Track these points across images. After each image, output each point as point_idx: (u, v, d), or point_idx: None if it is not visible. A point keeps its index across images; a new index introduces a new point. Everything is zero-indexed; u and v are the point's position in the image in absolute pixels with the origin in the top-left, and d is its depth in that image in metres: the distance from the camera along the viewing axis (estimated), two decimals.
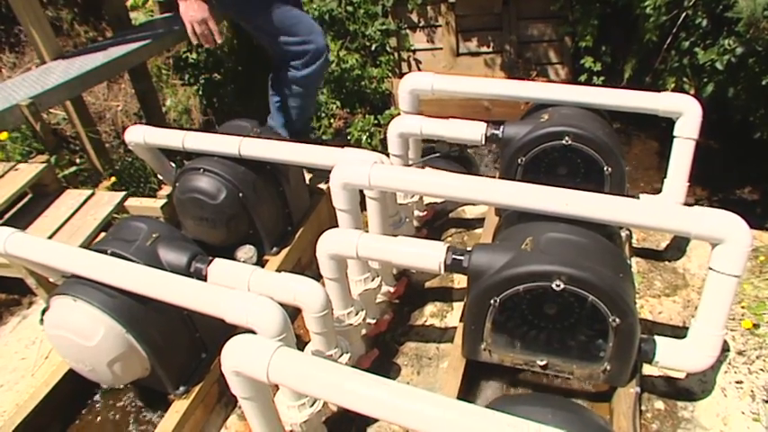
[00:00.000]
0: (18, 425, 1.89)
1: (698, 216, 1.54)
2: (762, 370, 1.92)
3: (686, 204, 2.34)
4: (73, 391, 2.06)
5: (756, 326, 2.06)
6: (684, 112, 2.12)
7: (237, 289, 1.66)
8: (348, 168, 1.82)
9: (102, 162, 3.75)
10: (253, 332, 1.47)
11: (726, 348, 2.00)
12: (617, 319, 1.54)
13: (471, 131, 2.26)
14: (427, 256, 1.65)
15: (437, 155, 2.59)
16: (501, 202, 1.67)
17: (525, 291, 1.56)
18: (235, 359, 1.30)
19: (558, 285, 1.51)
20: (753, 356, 1.97)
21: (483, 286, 1.60)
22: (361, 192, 1.98)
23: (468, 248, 1.65)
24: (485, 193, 1.66)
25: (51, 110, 4.63)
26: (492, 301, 1.61)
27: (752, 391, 1.85)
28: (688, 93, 3.66)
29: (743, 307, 2.15)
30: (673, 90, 3.70)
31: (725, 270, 1.54)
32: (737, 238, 1.51)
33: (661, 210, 1.57)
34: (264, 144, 2.19)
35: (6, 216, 2.56)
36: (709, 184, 3.89)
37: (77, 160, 4.04)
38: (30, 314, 2.46)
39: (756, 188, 3.72)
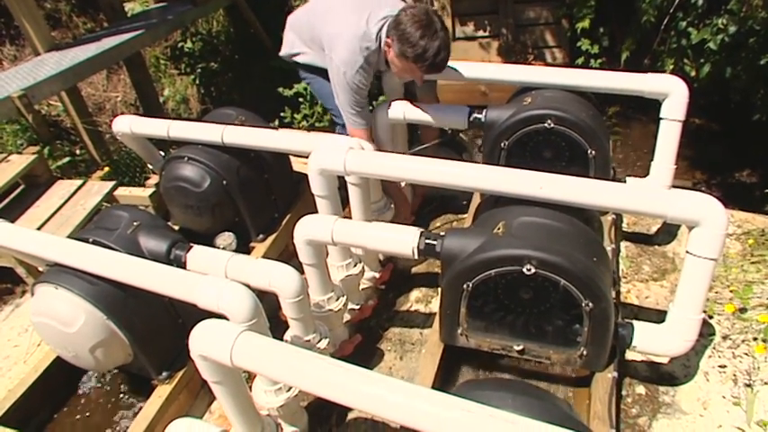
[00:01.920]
0: (7, 409, 1.94)
1: (673, 198, 1.51)
2: (746, 354, 1.89)
3: (678, 187, 2.31)
4: (62, 377, 2.10)
5: (743, 310, 2.03)
6: (670, 93, 2.08)
7: (215, 275, 1.67)
8: (324, 154, 1.82)
9: (99, 152, 3.79)
10: (225, 317, 1.49)
11: (711, 333, 1.98)
12: (590, 304, 1.52)
13: (455, 116, 2.24)
14: (400, 241, 1.65)
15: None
16: (473, 186, 1.66)
17: (497, 275, 1.55)
18: (200, 343, 1.31)
19: (529, 270, 1.50)
20: (738, 341, 1.94)
21: (455, 271, 1.60)
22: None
23: (442, 233, 1.65)
24: (456, 177, 1.65)
25: (51, 102, 4.69)
26: (465, 286, 1.60)
27: (734, 375, 1.83)
28: (689, 74, 3.59)
29: (731, 291, 2.12)
30: (672, 72, 3.63)
31: (701, 253, 1.52)
32: (713, 221, 1.48)
33: (635, 192, 1.55)
34: (246, 131, 2.19)
35: None
36: (709, 167, 3.82)
37: (77, 151, 4.09)
38: (23, 303, 2.51)
39: (755, 171, 3.64)
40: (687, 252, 1.56)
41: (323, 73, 2.26)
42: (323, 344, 1.85)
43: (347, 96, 2.15)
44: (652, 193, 1.56)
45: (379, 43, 2.10)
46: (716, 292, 2.13)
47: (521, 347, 1.73)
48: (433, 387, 1.75)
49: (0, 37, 5.21)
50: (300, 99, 4.50)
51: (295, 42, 2.39)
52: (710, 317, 2.04)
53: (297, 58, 2.42)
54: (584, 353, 1.66)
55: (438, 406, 1.04)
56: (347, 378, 1.13)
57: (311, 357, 1.20)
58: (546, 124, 2.06)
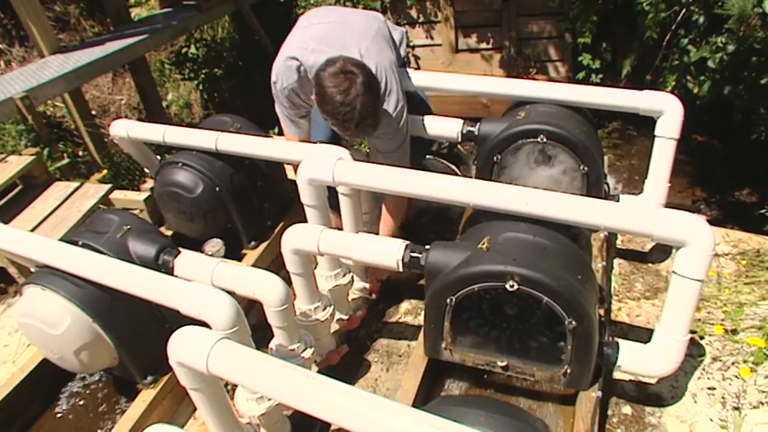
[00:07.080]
0: None
1: (659, 217, 1.50)
2: (736, 376, 1.87)
3: (676, 204, 2.29)
4: (48, 378, 2.10)
5: (734, 331, 2.00)
6: (665, 111, 2.07)
7: (201, 281, 1.67)
8: (313, 164, 1.83)
9: (100, 154, 3.82)
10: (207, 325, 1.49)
11: (701, 354, 1.96)
12: (573, 322, 1.51)
13: (448, 129, 2.24)
14: (385, 252, 1.65)
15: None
16: (458, 200, 1.65)
17: (481, 291, 1.55)
18: (178, 350, 1.31)
19: (512, 286, 1.49)
20: (728, 363, 1.92)
21: (439, 285, 1.59)
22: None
23: (427, 246, 1.64)
24: (441, 190, 1.65)
25: (57, 104, 4.73)
26: (448, 300, 1.60)
27: (723, 397, 1.81)
28: (691, 92, 3.58)
29: (723, 312, 2.10)
30: (674, 89, 3.62)
31: (687, 274, 1.50)
32: (700, 241, 1.47)
33: (620, 210, 1.54)
34: (238, 139, 2.20)
35: None
36: (710, 185, 3.79)
37: (80, 153, 4.12)
38: (14, 302, 2.52)
39: (755, 190, 3.61)
40: (673, 272, 1.54)
41: None
42: (307, 353, 1.84)
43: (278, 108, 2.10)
44: (638, 211, 1.55)
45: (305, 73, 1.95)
46: (708, 313, 2.10)
47: (505, 363, 1.71)
48: (415, 401, 1.74)
49: (10, 39, 5.28)
50: None
51: None
52: (701, 338, 2.01)
53: None
54: (568, 371, 1.64)
55: (407, 421, 1.03)
56: (319, 390, 1.13)
57: (286, 368, 1.20)
58: (538, 139, 2.05)
